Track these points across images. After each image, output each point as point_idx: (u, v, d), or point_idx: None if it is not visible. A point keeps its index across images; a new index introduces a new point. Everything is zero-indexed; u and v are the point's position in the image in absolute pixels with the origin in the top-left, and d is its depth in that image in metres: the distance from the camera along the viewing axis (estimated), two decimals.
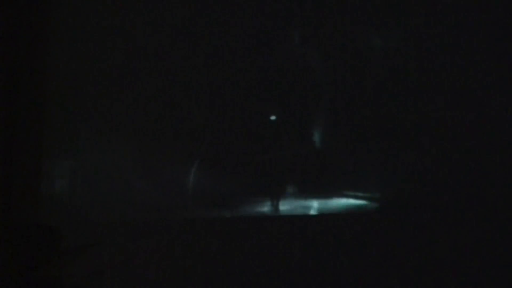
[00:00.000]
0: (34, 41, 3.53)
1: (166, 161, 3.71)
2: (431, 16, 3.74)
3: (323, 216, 3.69)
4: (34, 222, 3.30)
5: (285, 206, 3.71)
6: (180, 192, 3.70)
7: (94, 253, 3.28)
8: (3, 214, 3.29)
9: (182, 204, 3.70)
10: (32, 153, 3.44)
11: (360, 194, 3.70)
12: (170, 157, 3.72)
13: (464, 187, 3.66)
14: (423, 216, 3.64)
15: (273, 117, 3.74)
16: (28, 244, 3.00)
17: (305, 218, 3.70)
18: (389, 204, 3.68)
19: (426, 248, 3.61)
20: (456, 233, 3.61)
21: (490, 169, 3.71)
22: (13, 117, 3.43)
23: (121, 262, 3.49)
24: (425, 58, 3.74)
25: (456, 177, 3.68)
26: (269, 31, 3.74)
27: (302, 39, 3.74)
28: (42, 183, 3.48)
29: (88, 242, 3.29)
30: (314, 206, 3.71)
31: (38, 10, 3.55)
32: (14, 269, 2.94)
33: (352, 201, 3.70)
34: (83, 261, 3.18)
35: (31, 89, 3.50)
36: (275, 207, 3.71)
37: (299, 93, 3.75)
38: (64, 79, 3.62)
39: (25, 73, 3.49)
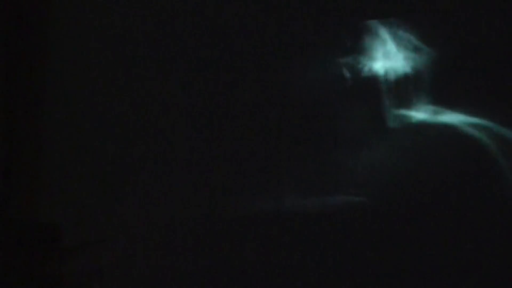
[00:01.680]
0: (34, 41, 3.54)
1: (166, 160, 3.71)
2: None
3: (323, 215, 3.68)
4: (34, 220, 3.30)
5: (285, 205, 3.71)
6: (180, 191, 3.70)
7: (94, 252, 3.28)
8: (3, 213, 3.28)
9: (183, 203, 3.70)
10: (32, 151, 3.44)
11: (360, 192, 3.70)
12: (170, 156, 3.72)
13: (464, 186, 3.65)
14: (423, 214, 3.63)
15: (273, 115, 3.74)
16: (28, 242, 3.00)
17: (305, 217, 3.70)
18: (390, 203, 3.67)
19: (427, 247, 3.60)
20: (457, 232, 3.60)
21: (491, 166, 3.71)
22: (13, 117, 3.43)
23: (121, 261, 3.48)
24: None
25: (456, 176, 3.67)
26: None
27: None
28: (42, 183, 3.48)
29: (88, 240, 3.29)
30: (314, 204, 3.70)
31: (38, 10, 3.56)
32: (14, 267, 2.93)
33: (352, 200, 3.69)
34: (83, 260, 3.17)
35: (31, 89, 3.50)
36: (275, 206, 3.71)
37: (299, 92, 3.76)
38: (64, 79, 3.63)
39: (25, 73, 3.50)
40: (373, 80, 3.71)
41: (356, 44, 3.74)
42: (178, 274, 3.57)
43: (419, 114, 3.65)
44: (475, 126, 3.60)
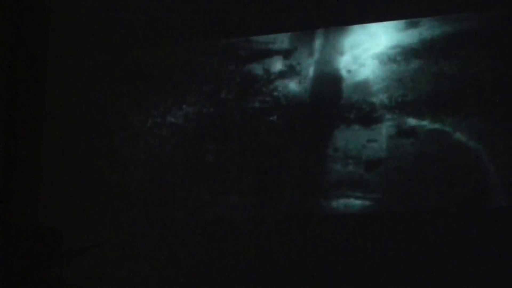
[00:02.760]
0: (34, 41, 3.54)
1: (166, 162, 3.72)
2: None
3: (322, 216, 3.69)
4: (35, 223, 3.31)
5: (285, 207, 3.72)
6: (180, 192, 3.70)
7: (94, 254, 3.29)
8: (3, 215, 3.29)
9: (183, 203, 3.70)
10: (32, 153, 3.45)
11: (359, 194, 3.71)
12: (170, 157, 3.72)
13: (465, 187, 3.66)
14: (423, 217, 3.65)
15: (273, 118, 3.74)
16: (28, 245, 3.01)
17: (305, 219, 3.71)
18: (390, 204, 3.68)
19: (427, 249, 3.62)
20: (457, 235, 3.61)
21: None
22: (13, 117, 3.43)
23: (121, 262, 3.49)
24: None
25: (456, 178, 3.68)
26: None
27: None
28: (42, 183, 3.48)
29: (88, 242, 3.30)
30: (314, 206, 3.71)
31: (38, 10, 3.56)
32: (15, 270, 2.95)
33: (352, 201, 3.70)
34: (84, 262, 3.19)
35: (31, 89, 3.50)
36: (275, 207, 3.71)
37: (299, 94, 3.76)
38: (64, 79, 3.62)
39: (25, 73, 3.50)
40: (370, 83, 3.71)
41: (352, 47, 3.73)
42: (178, 275, 3.59)
43: (415, 118, 3.65)
44: (469, 131, 3.61)
